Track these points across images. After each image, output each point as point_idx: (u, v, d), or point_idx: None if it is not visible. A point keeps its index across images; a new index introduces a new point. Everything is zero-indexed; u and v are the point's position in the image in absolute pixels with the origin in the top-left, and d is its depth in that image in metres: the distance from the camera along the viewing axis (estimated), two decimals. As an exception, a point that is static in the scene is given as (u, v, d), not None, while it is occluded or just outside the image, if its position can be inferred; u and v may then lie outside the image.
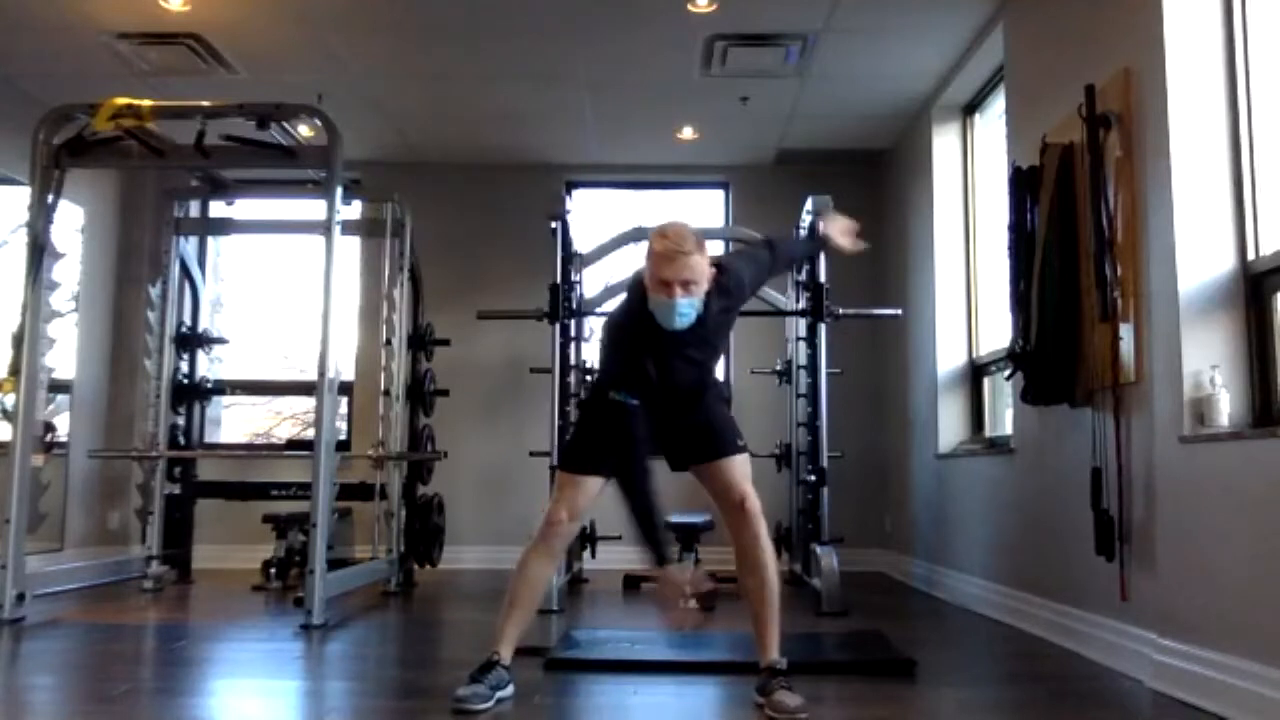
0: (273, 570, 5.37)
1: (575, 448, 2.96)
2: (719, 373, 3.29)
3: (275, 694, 3.04)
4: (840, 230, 3.13)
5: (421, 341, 5.71)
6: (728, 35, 4.88)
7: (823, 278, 5.01)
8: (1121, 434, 3.24)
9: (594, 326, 6.07)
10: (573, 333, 5.45)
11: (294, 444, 6.78)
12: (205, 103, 4.43)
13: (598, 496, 2.90)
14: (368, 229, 5.63)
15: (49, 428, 4.52)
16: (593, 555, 5.68)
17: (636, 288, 2.75)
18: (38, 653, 3.62)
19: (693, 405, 2.84)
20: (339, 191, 4.28)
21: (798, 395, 5.59)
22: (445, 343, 5.85)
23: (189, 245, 5.70)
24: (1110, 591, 3.26)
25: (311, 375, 4.71)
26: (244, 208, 6.16)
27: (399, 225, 5.45)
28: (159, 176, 6.19)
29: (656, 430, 2.76)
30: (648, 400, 2.71)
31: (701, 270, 2.64)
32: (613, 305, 5.76)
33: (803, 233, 5.50)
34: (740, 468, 2.84)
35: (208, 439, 6.32)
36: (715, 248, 6.83)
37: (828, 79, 5.38)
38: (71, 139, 4.37)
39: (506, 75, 5.39)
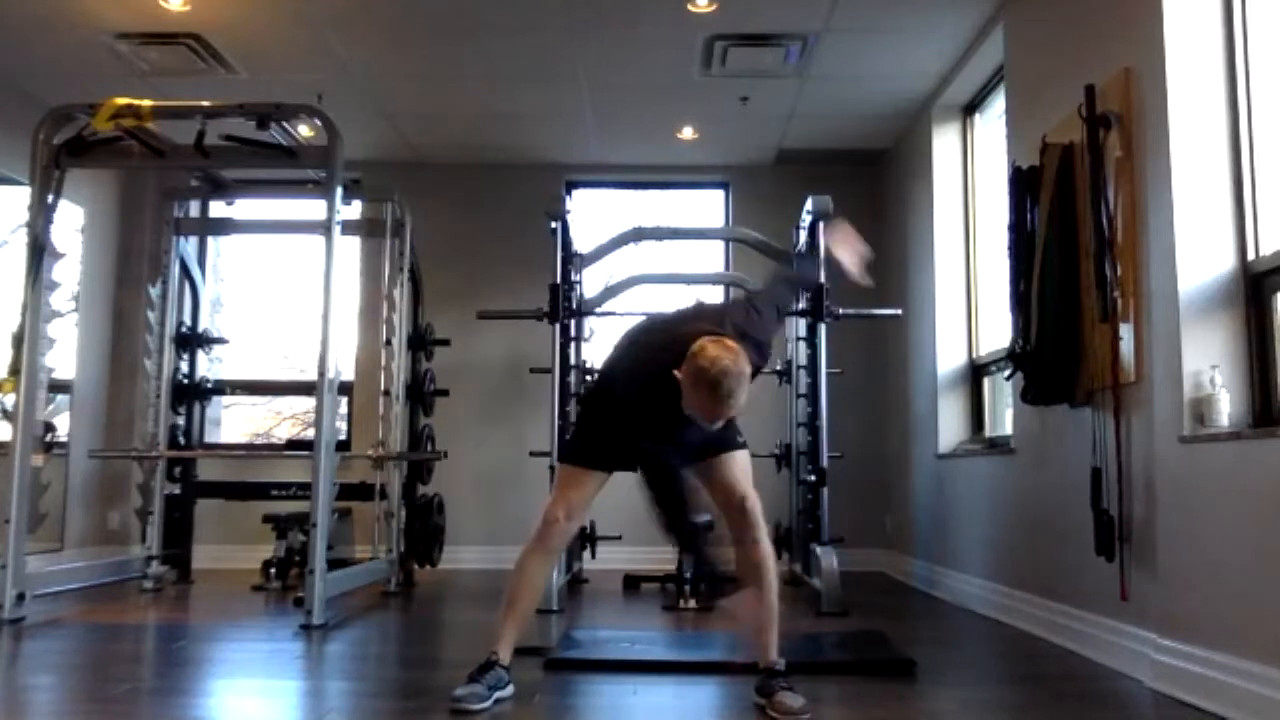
0: (273, 570, 5.37)
1: (576, 441, 2.96)
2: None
3: (275, 694, 3.04)
4: (844, 243, 3.06)
5: (421, 341, 5.71)
6: (728, 35, 4.88)
7: (823, 278, 5.00)
8: (1121, 434, 3.24)
9: (594, 326, 6.08)
10: (573, 333, 5.45)
11: (294, 444, 6.78)
12: (205, 103, 4.43)
13: (596, 494, 2.89)
14: (368, 229, 5.63)
15: (49, 428, 4.52)
16: (593, 555, 5.68)
17: (663, 364, 2.55)
18: (38, 653, 3.62)
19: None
20: (339, 191, 4.27)
21: (798, 395, 5.59)
22: (445, 343, 5.85)
23: (189, 245, 5.70)
24: (1110, 591, 3.26)
25: (311, 375, 4.71)
26: (244, 208, 6.16)
27: (399, 225, 5.45)
28: (159, 176, 6.18)
29: (665, 429, 2.72)
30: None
31: (741, 406, 2.54)
32: (611, 306, 5.82)
33: (803, 234, 5.50)
34: (741, 464, 2.82)
35: (208, 439, 6.32)
36: (715, 247, 6.87)
37: (828, 79, 5.38)
38: (71, 139, 4.37)
39: (506, 75, 5.39)
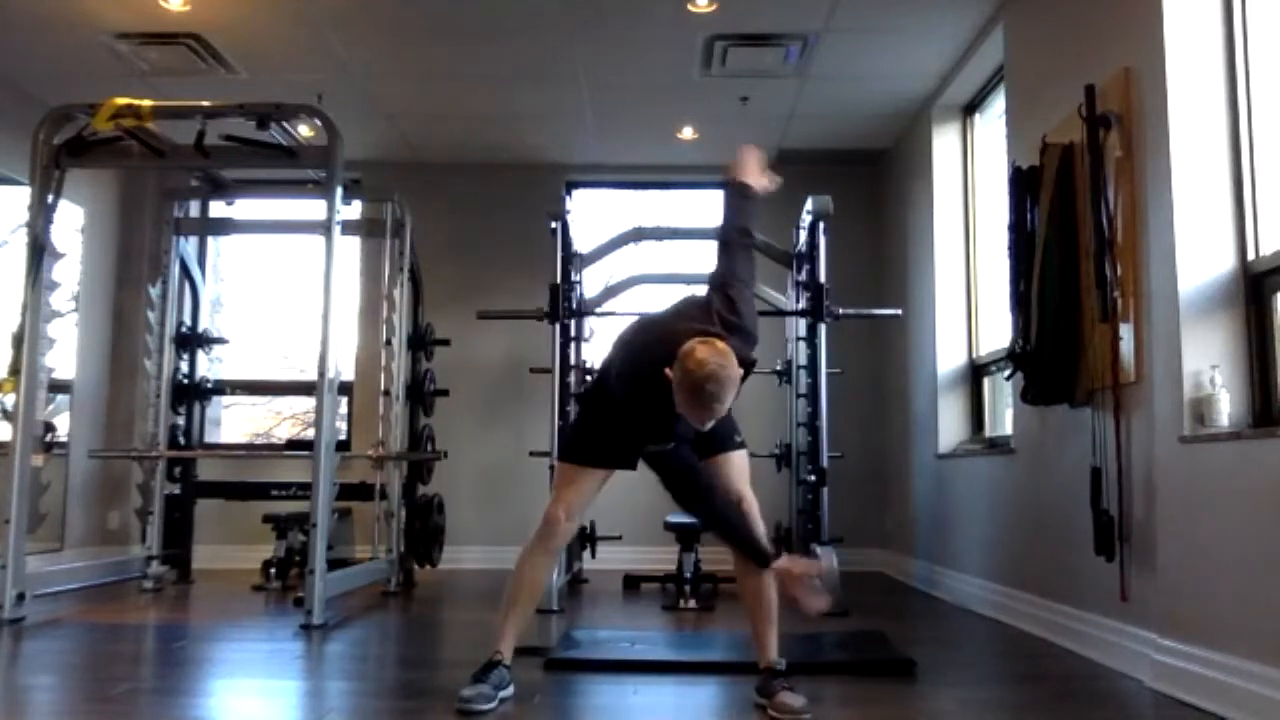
0: (273, 570, 5.37)
1: (574, 439, 2.96)
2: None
3: (275, 694, 3.04)
4: (750, 171, 2.93)
5: (421, 341, 5.71)
6: (728, 35, 4.88)
7: (823, 278, 5.01)
8: (1121, 434, 3.24)
9: (594, 326, 6.08)
10: (573, 333, 5.45)
11: (294, 444, 6.78)
12: (205, 103, 4.42)
13: (597, 492, 2.90)
14: (368, 229, 5.63)
15: (49, 428, 4.52)
16: (593, 555, 5.68)
17: (655, 363, 2.55)
18: (38, 653, 3.62)
19: None
20: (339, 191, 4.27)
21: (798, 395, 5.59)
22: (445, 343, 5.85)
23: (189, 245, 5.70)
24: (1110, 591, 3.26)
25: (311, 375, 4.71)
26: (244, 208, 6.15)
27: (399, 225, 5.45)
28: (159, 176, 6.19)
29: (660, 427, 2.74)
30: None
31: (726, 408, 2.54)
32: (611, 306, 5.82)
33: (803, 234, 5.50)
34: (738, 465, 2.83)
35: (208, 439, 6.31)
36: (715, 248, 6.86)
37: (828, 79, 5.38)
38: (71, 139, 4.37)
39: (506, 75, 5.39)
